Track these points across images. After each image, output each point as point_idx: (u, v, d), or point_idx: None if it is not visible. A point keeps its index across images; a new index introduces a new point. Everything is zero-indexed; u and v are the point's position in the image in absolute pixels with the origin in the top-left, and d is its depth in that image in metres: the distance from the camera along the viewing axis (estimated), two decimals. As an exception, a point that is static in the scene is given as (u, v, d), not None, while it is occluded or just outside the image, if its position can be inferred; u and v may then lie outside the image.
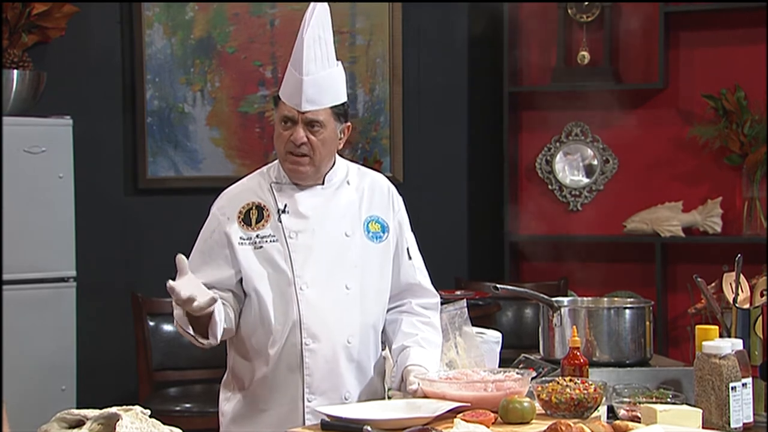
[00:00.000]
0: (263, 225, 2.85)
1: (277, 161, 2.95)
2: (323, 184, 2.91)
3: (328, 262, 2.84)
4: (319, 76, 2.80)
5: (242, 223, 2.86)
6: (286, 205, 2.87)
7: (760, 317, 2.85)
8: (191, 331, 2.74)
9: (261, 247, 2.83)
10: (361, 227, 2.91)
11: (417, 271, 3.02)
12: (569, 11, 5.41)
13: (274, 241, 2.83)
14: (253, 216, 2.86)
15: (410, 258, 3.01)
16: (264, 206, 2.87)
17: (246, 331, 2.86)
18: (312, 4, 2.83)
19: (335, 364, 2.81)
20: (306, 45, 2.79)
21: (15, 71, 4.84)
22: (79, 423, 2.15)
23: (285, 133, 2.85)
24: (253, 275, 2.82)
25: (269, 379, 2.82)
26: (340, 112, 2.86)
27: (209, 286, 2.78)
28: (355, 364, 2.85)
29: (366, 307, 2.88)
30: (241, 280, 2.85)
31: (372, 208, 2.95)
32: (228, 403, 2.90)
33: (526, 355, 3.15)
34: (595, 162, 5.54)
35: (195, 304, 2.63)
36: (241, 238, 2.84)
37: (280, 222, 2.85)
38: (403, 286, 2.99)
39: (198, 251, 2.91)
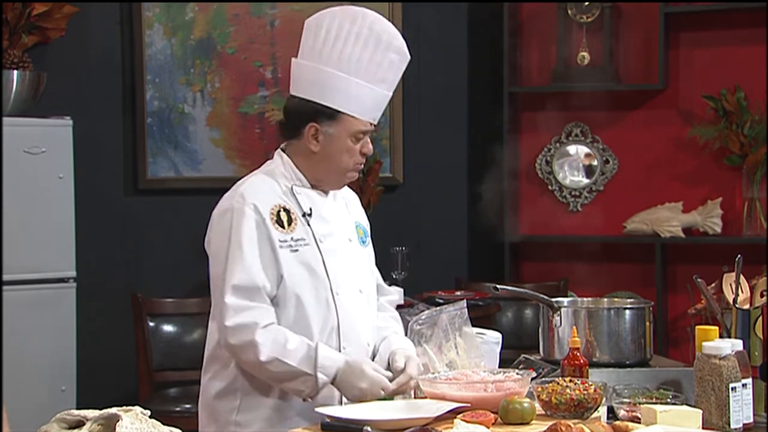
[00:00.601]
0: (294, 228, 2.78)
1: (281, 164, 2.85)
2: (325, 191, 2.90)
3: (348, 266, 2.85)
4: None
5: (276, 225, 2.76)
6: (311, 209, 2.82)
7: (760, 318, 2.85)
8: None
9: (297, 250, 2.76)
10: (355, 232, 2.93)
11: (378, 273, 3.08)
12: (569, 12, 5.41)
13: (306, 244, 2.78)
14: (283, 218, 2.78)
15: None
16: (289, 209, 2.80)
17: None
18: (382, 20, 2.81)
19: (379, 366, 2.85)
20: (398, 67, 2.81)
21: (15, 72, 4.84)
22: (79, 423, 2.15)
23: (356, 147, 2.80)
24: (295, 279, 2.74)
25: None
26: None
27: (267, 289, 2.72)
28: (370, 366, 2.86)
29: (372, 309, 2.93)
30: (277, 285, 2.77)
31: (354, 215, 2.98)
32: (246, 413, 2.79)
33: (526, 356, 3.15)
34: (595, 162, 5.54)
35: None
36: (280, 240, 2.75)
37: (309, 225, 2.80)
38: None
39: (247, 253, 2.72)
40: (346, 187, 2.99)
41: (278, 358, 2.66)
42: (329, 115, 2.77)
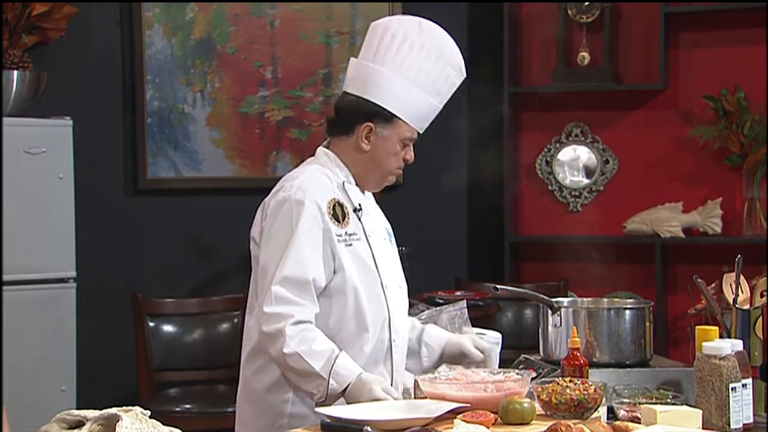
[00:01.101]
0: (347, 222, 2.82)
1: (329, 160, 2.88)
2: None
3: (390, 262, 2.92)
4: None
5: (333, 219, 2.79)
6: (360, 204, 2.87)
7: (760, 318, 2.85)
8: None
9: (351, 244, 2.81)
10: (385, 232, 3.00)
11: None
12: (569, 12, 5.41)
13: (358, 239, 2.82)
14: (338, 212, 2.81)
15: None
16: (343, 203, 2.83)
17: (333, 326, 2.79)
18: (448, 37, 2.92)
19: (404, 359, 2.94)
20: (454, 84, 2.91)
21: (15, 72, 4.84)
22: (79, 424, 2.15)
23: (401, 152, 2.88)
24: (352, 273, 2.78)
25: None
26: None
27: (317, 282, 2.74)
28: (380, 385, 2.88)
29: (408, 305, 3.01)
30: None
31: (382, 215, 3.04)
32: (298, 405, 2.80)
33: (526, 356, 3.15)
34: (595, 163, 5.54)
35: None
36: (337, 234, 2.78)
37: (360, 221, 2.85)
38: None
39: (302, 245, 2.72)
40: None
41: (300, 355, 2.67)
42: (385, 117, 2.83)
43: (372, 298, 2.81)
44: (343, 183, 2.86)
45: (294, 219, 2.74)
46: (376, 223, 2.92)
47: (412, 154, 2.90)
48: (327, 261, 2.75)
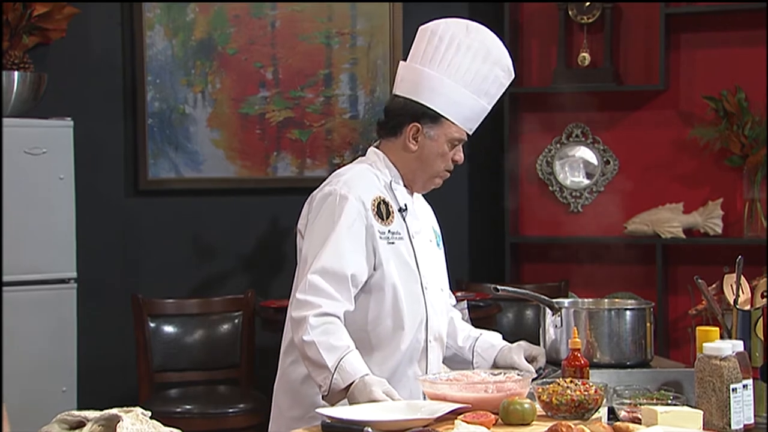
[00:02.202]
0: (391, 221, 2.85)
1: (377, 160, 2.92)
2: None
3: (432, 263, 2.94)
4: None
5: (377, 217, 2.83)
6: (405, 205, 2.90)
7: (761, 319, 2.85)
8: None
9: (393, 242, 2.84)
10: (434, 235, 3.04)
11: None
12: (570, 12, 5.41)
13: (400, 238, 2.85)
14: (383, 210, 2.85)
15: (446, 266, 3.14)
16: (388, 202, 2.87)
17: (370, 323, 2.83)
18: (495, 38, 2.95)
19: (440, 361, 2.96)
20: (502, 84, 2.93)
21: (16, 73, 4.84)
22: (80, 424, 2.15)
23: (449, 153, 2.90)
24: (392, 270, 2.81)
25: (396, 371, 2.84)
26: None
27: (357, 276, 2.76)
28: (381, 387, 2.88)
29: (449, 309, 3.04)
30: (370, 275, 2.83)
31: (430, 218, 3.08)
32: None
33: (527, 357, 3.15)
34: (596, 163, 5.54)
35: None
36: (380, 231, 2.81)
37: (404, 221, 2.88)
38: None
39: (343, 238, 2.76)
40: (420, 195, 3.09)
41: (316, 344, 2.68)
42: (432, 117, 2.87)
43: (411, 297, 2.85)
44: (390, 183, 2.90)
45: (337, 213, 2.78)
46: (422, 224, 2.96)
47: (462, 155, 2.93)
48: (368, 256, 2.79)
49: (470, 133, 2.94)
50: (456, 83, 2.87)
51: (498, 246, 5.47)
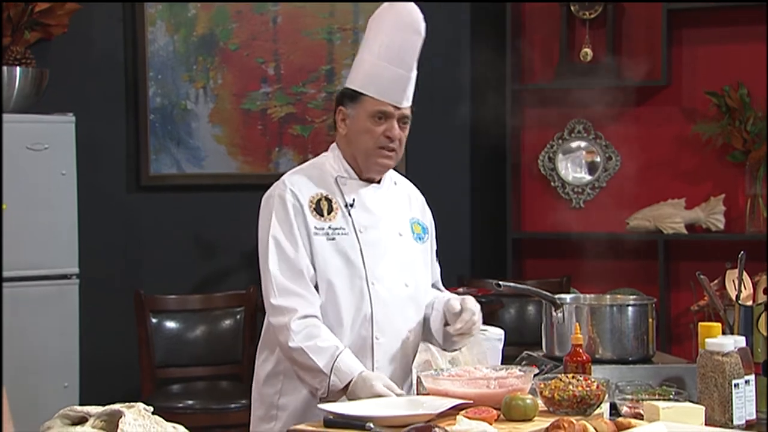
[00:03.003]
0: (333, 217, 2.85)
1: (332, 154, 2.94)
2: (379, 182, 2.95)
3: (391, 258, 2.89)
4: (414, 74, 2.89)
5: (315, 213, 2.84)
6: (354, 200, 2.88)
7: (763, 314, 2.85)
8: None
9: (333, 238, 2.83)
10: (409, 228, 2.98)
11: (438, 273, 3.12)
12: (572, 8, 5.40)
13: (344, 234, 2.84)
14: (323, 207, 2.85)
15: (438, 261, 3.12)
16: (332, 198, 2.87)
17: None
18: (410, 4, 2.89)
19: (397, 358, 2.88)
20: (415, 45, 2.86)
21: (18, 68, 4.84)
22: (82, 420, 2.16)
23: (377, 129, 2.85)
24: (327, 267, 2.81)
25: None
26: (413, 110, 2.93)
27: (309, 271, 2.79)
28: (407, 359, 2.91)
29: (419, 304, 2.96)
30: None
31: (414, 212, 3.03)
32: (287, 396, 2.86)
33: (529, 353, 3.15)
34: (598, 159, 5.54)
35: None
36: (315, 227, 2.82)
37: (350, 216, 2.86)
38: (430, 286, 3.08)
39: (286, 237, 2.81)
40: (411, 185, 3.09)
41: (304, 350, 2.72)
42: (351, 96, 2.87)
43: (351, 293, 2.82)
44: (336, 178, 2.89)
45: (275, 213, 2.83)
46: (381, 219, 2.90)
47: (396, 131, 2.85)
48: (306, 254, 2.80)
49: (398, 105, 2.85)
50: (374, 58, 2.85)
51: (500, 242, 5.47)
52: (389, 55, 2.84)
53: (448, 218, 5.68)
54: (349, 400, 2.69)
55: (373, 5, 5.47)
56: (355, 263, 2.83)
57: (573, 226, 5.47)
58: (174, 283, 5.31)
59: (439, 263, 3.14)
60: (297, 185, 2.86)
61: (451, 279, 5.32)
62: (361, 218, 2.87)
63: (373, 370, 2.83)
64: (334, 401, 2.70)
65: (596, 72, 5.36)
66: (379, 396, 2.64)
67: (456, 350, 3.00)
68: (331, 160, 2.93)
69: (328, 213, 2.85)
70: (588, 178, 5.55)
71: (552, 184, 5.57)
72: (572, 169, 5.57)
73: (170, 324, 4.92)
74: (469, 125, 5.62)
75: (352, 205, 2.87)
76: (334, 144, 2.96)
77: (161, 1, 5.46)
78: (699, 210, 5.26)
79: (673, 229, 5.23)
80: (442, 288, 3.11)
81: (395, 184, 3.02)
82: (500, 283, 3.15)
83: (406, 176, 5.89)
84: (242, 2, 5.50)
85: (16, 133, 4.65)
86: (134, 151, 5.49)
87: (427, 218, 3.08)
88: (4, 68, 4.78)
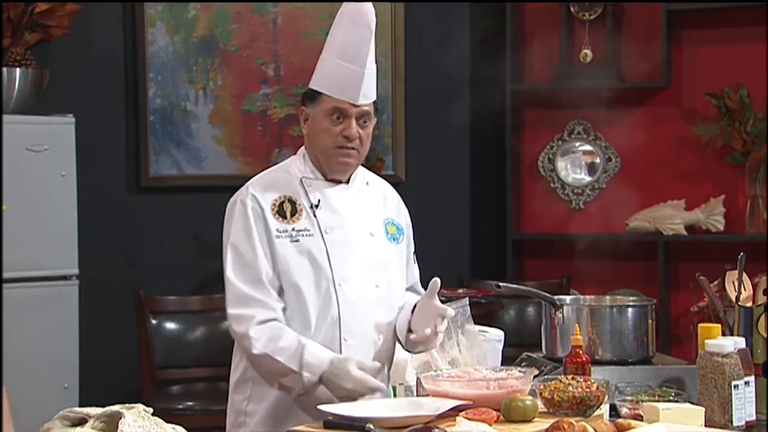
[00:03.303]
0: (297, 218, 2.82)
1: (300, 156, 2.91)
2: (348, 182, 2.91)
3: (360, 259, 2.85)
4: (372, 70, 2.83)
5: (277, 216, 2.81)
6: (319, 200, 2.84)
7: (763, 315, 2.85)
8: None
9: (297, 240, 2.79)
10: (382, 228, 2.93)
11: (417, 275, 3.09)
12: (572, 9, 5.40)
13: (309, 235, 2.80)
14: (287, 209, 2.82)
15: (415, 262, 3.08)
16: (296, 200, 2.84)
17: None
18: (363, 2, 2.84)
19: (368, 358, 2.84)
20: (366, 39, 2.81)
21: (17, 69, 4.84)
22: (82, 421, 2.16)
23: (335, 128, 2.81)
24: (291, 269, 2.77)
25: None
26: (376, 107, 2.89)
27: (270, 277, 2.77)
28: (379, 359, 2.87)
29: (391, 305, 2.91)
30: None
31: (388, 212, 2.98)
32: (254, 403, 2.83)
33: (529, 354, 3.15)
34: (598, 160, 5.54)
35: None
36: (277, 230, 2.79)
37: (315, 217, 2.83)
38: (407, 288, 3.03)
39: (245, 243, 2.79)
40: (386, 184, 3.04)
41: (269, 354, 2.71)
42: (310, 96, 2.85)
43: (318, 295, 2.79)
44: (301, 179, 2.86)
45: (236, 217, 2.82)
46: (348, 219, 2.86)
47: (353, 130, 2.80)
48: (268, 256, 2.78)
49: (354, 102, 2.80)
50: (330, 56, 2.83)
51: (500, 243, 5.46)
52: (343, 53, 2.80)
53: (448, 219, 5.70)
54: (328, 388, 2.69)
55: (373, 6, 5.50)
56: (321, 264, 2.79)
57: (573, 227, 5.47)
58: (174, 284, 5.31)
59: (418, 264, 3.09)
60: (259, 189, 2.84)
61: (451, 279, 5.33)
62: (326, 219, 2.83)
63: None
64: (313, 394, 2.70)
65: (596, 73, 5.36)
66: (355, 379, 2.64)
67: (418, 353, 2.94)
68: (298, 162, 2.90)
69: (292, 215, 2.82)
70: (588, 179, 5.55)
71: (552, 185, 5.57)
72: (572, 170, 5.57)
73: (170, 325, 4.92)
74: (469, 126, 5.62)
75: (317, 206, 2.83)
76: (303, 147, 2.93)
77: (161, 1, 5.46)
78: (699, 211, 5.26)
79: (672, 230, 5.23)
80: (421, 291, 3.04)
81: (367, 184, 2.97)
82: (500, 284, 3.15)
83: (406, 178, 5.92)
84: (242, 2, 5.50)
85: (16, 134, 4.65)
86: (134, 152, 5.49)
87: (403, 219, 3.03)
88: (4, 69, 4.79)
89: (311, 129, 2.85)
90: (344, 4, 2.85)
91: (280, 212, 2.81)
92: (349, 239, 2.84)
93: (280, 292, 2.78)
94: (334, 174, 2.88)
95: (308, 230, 2.81)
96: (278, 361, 2.70)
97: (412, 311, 2.87)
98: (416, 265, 3.08)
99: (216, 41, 5.52)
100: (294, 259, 2.78)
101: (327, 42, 2.86)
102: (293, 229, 2.80)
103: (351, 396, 2.67)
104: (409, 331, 2.85)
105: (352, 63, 2.80)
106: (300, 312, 2.78)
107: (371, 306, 2.85)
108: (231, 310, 2.77)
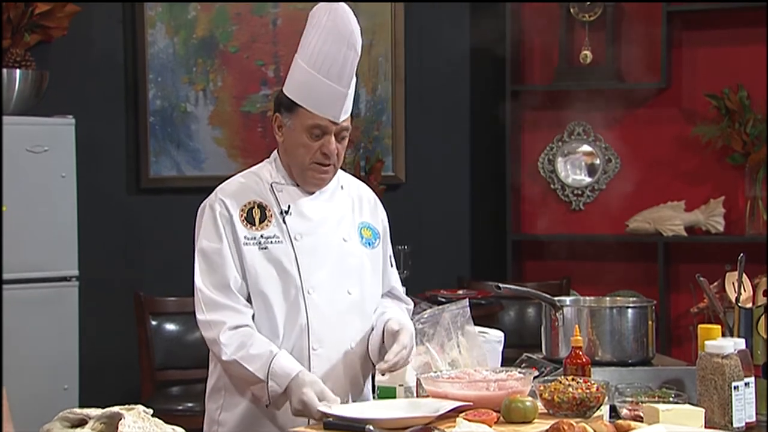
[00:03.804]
0: (267, 225, 2.76)
1: (272, 161, 2.86)
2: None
3: (332, 266, 2.79)
4: (353, 87, 2.77)
5: (245, 222, 2.75)
6: (289, 206, 2.79)
7: (763, 316, 2.85)
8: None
9: (266, 247, 2.74)
10: (356, 233, 2.88)
11: (395, 278, 3.03)
12: (571, 10, 5.40)
13: (278, 242, 2.75)
14: (255, 215, 2.77)
15: (392, 265, 3.01)
16: (266, 206, 2.78)
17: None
18: (347, 14, 2.73)
19: (338, 369, 2.79)
20: (352, 61, 2.72)
21: (18, 71, 4.84)
22: (82, 422, 2.16)
23: (313, 143, 2.73)
24: (259, 277, 2.72)
25: None
26: (352, 117, 2.83)
27: (238, 284, 2.73)
28: (353, 368, 2.83)
29: (365, 312, 2.86)
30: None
31: (363, 215, 2.92)
32: (226, 411, 2.81)
33: (529, 355, 3.15)
34: (598, 161, 5.54)
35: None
36: (245, 237, 2.73)
37: (285, 223, 2.77)
38: (385, 292, 2.99)
39: (213, 249, 2.74)
40: (363, 186, 2.98)
41: (238, 361, 2.67)
42: (287, 106, 2.77)
43: (286, 303, 2.74)
44: (272, 185, 2.80)
45: (204, 224, 2.78)
46: (319, 225, 2.80)
47: (332, 147, 2.73)
48: (237, 263, 2.74)
49: (335, 120, 2.72)
50: (310, 67, 2.72)
51: (500, 244, 5.47)
52: (325, 69, 2.71)
53: (448, 219, 5.71)
54: (289, 402, 2.64)
55: (373, 6, 5.50)
56: (290, 272, 2.74)
57: (573, 229, 5.47)
58: (174, 285, 5.28)
59: (397, 267, 3.04)
60: (228, 194, 2.79)
61: (451, 281, 5.34)
62: (296, 225, 2.77)
63: None
64: (281, 406, 2.66)
65: (596, 74, 5.37)
66: (305, 402, 2.58)
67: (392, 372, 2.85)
68: (269, 167, 2.84)
69: (261, 221, 2.76)
70: (587, 180, 5.56)
71: (552, 186, 5.57)
72: (572, 171, 5.57)
73: (170, 326, 4.92)
74: (469, 126, 5.62)
75: (287, 212, 2.78)
76: (275, 151, 2.87)
77: (161, 1, 5.46)
78: (699, 212, 5.26)
79: (672, 231, 5.23)
80: (401, 296, 3.01)
81: (342, 188, 2.89)
82: (500, 285, 3.15)
83: (405, 179, 5.91)
84: (242, 2, 5.50)
85: (16, 135, 4.65)
86: (134, 153, 5.49)
87: (380, 222, 2.96)
88: (4, 70, 4.79)
89: (288, 140, 2.78)
90: (324, 6, 2.75)
91: (249, 218, 2.77)
92: (319, 246, 2.78)
93: (249, 299, 2.74)
94: (306, 187, 2.82)
95: (277, 237, 2.76)
96: (247, 369, 2.66)
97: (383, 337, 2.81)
98: (393, 268, 3.02)
99: (216, 42, 5.52)
100: (261, 267, 2.73)
101: (304, 48, 2.76)
102: (261, 236, 2.75)
103: (298, 414, 2.62)
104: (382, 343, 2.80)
105: (337, 83, 2.71)
106: (268, 320, 2.74)
107: (342, 314, 2.80)
108: (200, 316, 2.74)
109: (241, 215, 2.77)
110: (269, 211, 2.79)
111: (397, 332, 2.75)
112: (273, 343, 2.71)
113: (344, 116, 2.75)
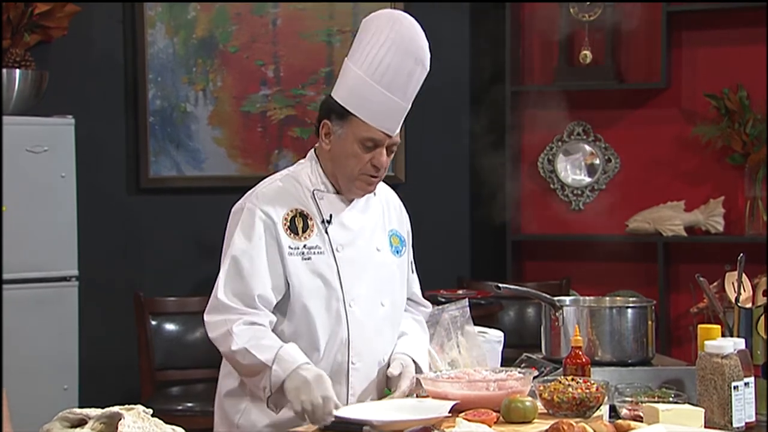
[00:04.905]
0: (309, 235, 2.67)
1: (310, 164, 2.76)
2: None
3: (370, 278, 2.74)
4: (410, 104, 2.72)
5: (289, 231, 2.66)
6: (331, 216, 2.71)
7: (763, 316, 2.85)
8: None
9: (309, 258, 2.66)
10: (387, 241, 2.84)
11: (416, 284, 3.01)
12: (571, 10, 5.40)
13: (320, 253, 2.67)
14: (298, 224, 2.67)
15: (413, 272, 3.00)
16: (308, 214, 2.69)
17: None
18: (414, 27, 2.69)
19: (372, 384, 2.77)
20: (419, 78, 2.69)
21: (17, 71, 4.84)
22: (82, 422, 2.16)
23: (365, 155, 2.65)
24: (303, 289, 2.65)
25: None
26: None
27: (264, 297, 2.63)
28: (381, 383, 2.79)
29: (395, 324, 2.84)
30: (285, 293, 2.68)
31: (391, 222, 2.88)
32: (247, 417, 2.72)
33: (528, 355, 3.15)
34: (597, 161, 5.54)
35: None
36: (290, 247, 2.64)
37: (327, 233, 2.69)
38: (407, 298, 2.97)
39: (247, 256, 2.63)
40: (388, 190, 2.92)
41: (247, 349, 2.56)
42: (340, 114, 2.67)
43: (328, 316, 2.67)
44: (314, 192, 2.73)
45: (242, 229, 2.66)
46: (358, 235, 2.75)
47: (383, 159, 2.67)
48: (274, 275, 2.64)
49: (390, 134, 2.66)
50: (369, 78, 2.63)
51: (499, 244, 5.46)
52: (386, 81, 2.64)
53: (448, 220, 5.70)
54: (290, 395, 2.53)
55: (373, 6, 5.49)
56: (332, 284, 2.67)
57: (572, 229, 5.47)
58: (174, 285, 5.31)
59: (417, 273, 3.01)
60: (268, 200, 2.68)
61: (451, 280, 5.34)
62: (338, 236, 2.71)
63: (347, 396, 2.70)
64: (278, 408, 2.59)
65: (596, 74, 5.36)
66: (326, 397, 2.50)
67: None
68: (308, 171, 2.75)
69: (303, 231, 2.67)
70: (587, 180, 5.55)
71: (551, 186, 5.57)
72: (572, 171, 5.57)
73: (170, 326, 4.92)
74: (468, 126, 5.62)
75: (329, 222, 2.70)
76: (312, 152, 2.78)
77: (161, 1, 5.46)
78: (698, 212, 5.26)
79: (672, 232, 5.23)
80: (420, 300, 2.98)
81: (374, 194, 2.82)
82: (500, 285, 3.14)
83: (405, 178, 5.91)
84: (242, 2, 5.50)
85: (16, 135, 4.65)
86: (134, 154, 5.49)
87: (405, 227, 2.92)
88: (4, 70, 4.79)
89: (337, 149, 2.68)
90: (387, 14, 2.69)
91: (292, 228, 2.67)
92: (359, 257, 2.73)
93: (284, 314, 2.67)
94: (350, 195, 2.75)
95: (319, 248, 2.68)
96: (255, 356, 2.55)
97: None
98: (414, 274, 3.00)
99: (216, 42, 5.52)
100: (306, 278, 2.65)
101: (360, 55, 2.67)
102: (305, 246, 2.67)
103: (304, 409, 2.51)
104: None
105: (399, 96, 2.66)
106: (309, 333, 2.66)
107: (378, 326, 2.76)
108: (207, 317, 2.66)
109: (284, 224, 2.68)
110: (311, 220, 2.70)
111: (398, 377, 2.72)
112: (313, 357, 2.62)
113: (398, 130, 2.70)
